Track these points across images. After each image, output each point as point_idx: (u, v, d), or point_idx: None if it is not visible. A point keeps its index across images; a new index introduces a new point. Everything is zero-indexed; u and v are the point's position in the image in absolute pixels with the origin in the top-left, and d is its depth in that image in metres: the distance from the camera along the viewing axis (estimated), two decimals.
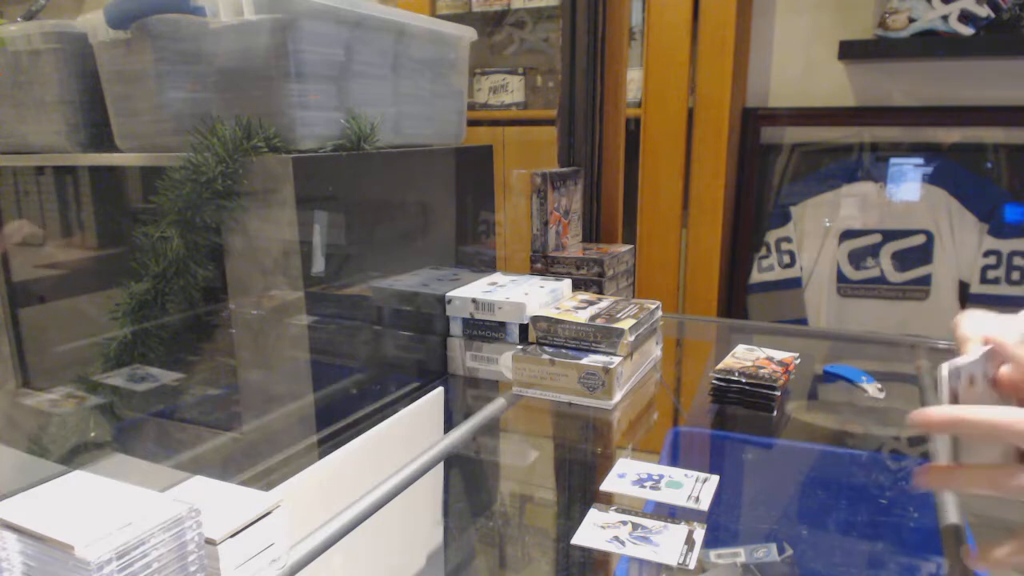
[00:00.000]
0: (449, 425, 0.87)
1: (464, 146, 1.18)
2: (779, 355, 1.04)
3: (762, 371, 0.96)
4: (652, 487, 0.74)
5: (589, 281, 1.21)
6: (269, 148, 0.83)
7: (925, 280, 1.85)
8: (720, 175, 1.91)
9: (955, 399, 0.52)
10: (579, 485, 0.91)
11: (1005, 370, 0.52)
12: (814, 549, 0.73)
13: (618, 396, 0.91)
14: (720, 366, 0.99)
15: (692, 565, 0.62)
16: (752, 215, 2.05)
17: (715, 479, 0.75)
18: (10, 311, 1.09)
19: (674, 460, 0.90)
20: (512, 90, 2.36)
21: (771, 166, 2.02)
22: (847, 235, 1.92)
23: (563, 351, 0.94)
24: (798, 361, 1.03)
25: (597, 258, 1.21)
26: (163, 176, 0.83)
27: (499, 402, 0.93)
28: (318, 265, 0.86)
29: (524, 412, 0.96)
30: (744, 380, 0.95)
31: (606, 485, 0.75)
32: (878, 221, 1.89)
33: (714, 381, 0.96)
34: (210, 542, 0.48)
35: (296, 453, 0.87)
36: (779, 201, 2.01)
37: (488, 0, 2.34)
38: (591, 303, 1.03)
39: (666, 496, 0.73)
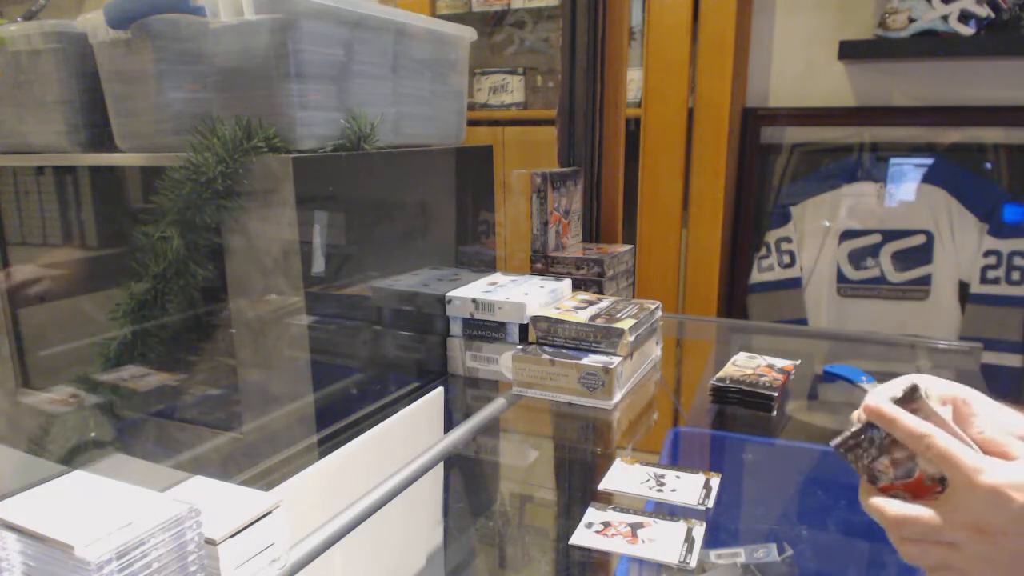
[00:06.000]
0: (449, 425, 0.87)
1: (464, 146, 1.18)
2: (780, 363, 1.03)
3: (763, 379, 0.96)
4: (652, 487, 0.74)
5: (589, 281, 1.21)
6: (269, 148, 0.83)
7: (925, 280, 1.85)
8: (720, 175, 1.91)
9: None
10: (579, 485, 0.91)
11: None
12: (814, 549, 0.72)
13: (618, 396, 0.91)
14: (720, 374, 0.98)
15: (692, 565, 0.62)
16: (752, 215, 2.05)
17: (716, 479, 0.75)
18: (10, 311, 1.09)
19: (674, 460, 0.90)
20: (512, 90, 2.36)
21: (771, 166, 2.02)
22: (847, 235, 1.92)
23: (563, 351, 0.94)
24: (798, 363, 1.03)
25: (597, 258, 1.21)
26: (163, 176, 0.83)
27: (499, 402, 0.93)
28: (318, 265, 0.86)
29: (524, 412, 0.96)
30: (744, 387, 0.95)
31: (605, 484, 0.75)
32: (878, 221, 1.89)
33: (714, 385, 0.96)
34: (210, 542, 0.48)
35: (296, 453, 0.87)
36: (779, 201, 2.00)
37: (488, 0, 2.34)
38: (591, 303, 1.03)
39: (667, 496, 0.73)
